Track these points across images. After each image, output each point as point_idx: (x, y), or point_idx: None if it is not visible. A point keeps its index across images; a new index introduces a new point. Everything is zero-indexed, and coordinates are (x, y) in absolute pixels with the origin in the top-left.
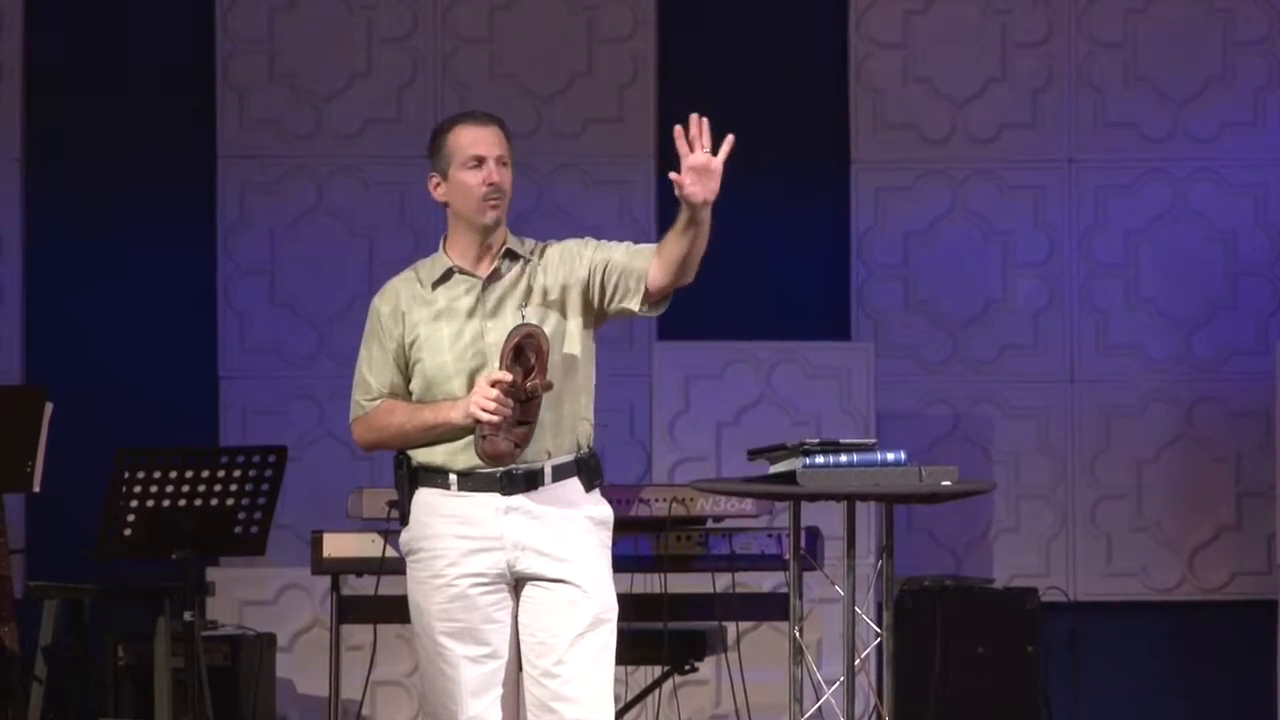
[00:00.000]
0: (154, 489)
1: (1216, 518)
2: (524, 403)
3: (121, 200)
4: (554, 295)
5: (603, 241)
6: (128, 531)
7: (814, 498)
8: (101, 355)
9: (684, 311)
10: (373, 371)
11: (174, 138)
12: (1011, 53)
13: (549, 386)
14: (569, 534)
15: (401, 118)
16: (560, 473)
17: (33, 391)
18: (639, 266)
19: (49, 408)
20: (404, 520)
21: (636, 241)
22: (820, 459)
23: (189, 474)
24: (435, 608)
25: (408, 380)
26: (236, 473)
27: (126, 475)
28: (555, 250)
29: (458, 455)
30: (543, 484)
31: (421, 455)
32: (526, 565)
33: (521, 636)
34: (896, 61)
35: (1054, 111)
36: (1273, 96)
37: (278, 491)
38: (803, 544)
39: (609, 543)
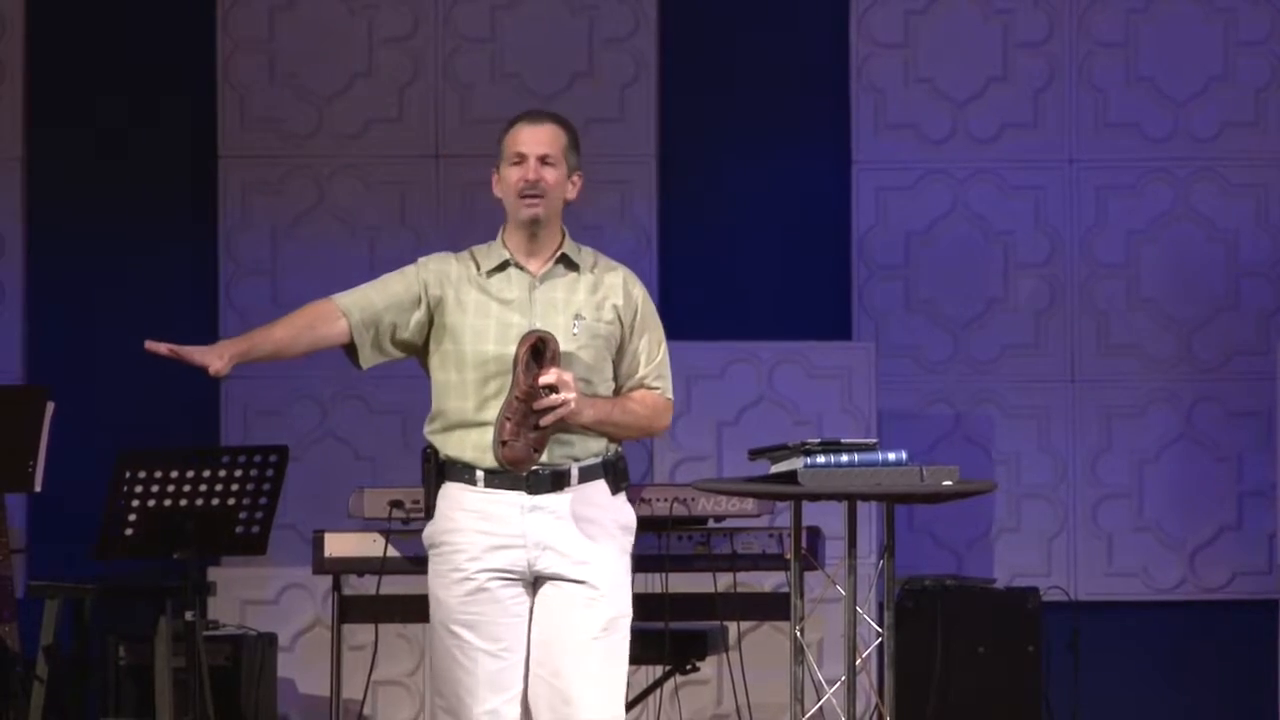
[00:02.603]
0: (155, 489)
1: (1217, 517)
2: (536, 409)
3: (122, 200)
4: (604, 322)
5: (648, 342)
6: (129, 531)
7: (815, 497)
8: (102, 355)
9: (685, 311)
10: (369, 288)
11: (175, 138)
12: (1012, 53)
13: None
14: (591, 536)
15: (402, 118)
16: (587, 474)
17: (34, 391)
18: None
19: (50, 407)
20: (429, 514)
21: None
22: (821, 459)
23: (190, 474)
24: (454, 601)
25: (395, 326)
26: (238, 472)
27: (128, 475)
28: (618, 283)
29: (485, 452)
30: (569, 485)
31: (451, 450)
32: (546, 565)
33: (534, 635)
34: (897, 62)
35: (1055, 112)
36: (1274, 96)
37: (279, 491)
38: (804, 544)
39: (629, 548)
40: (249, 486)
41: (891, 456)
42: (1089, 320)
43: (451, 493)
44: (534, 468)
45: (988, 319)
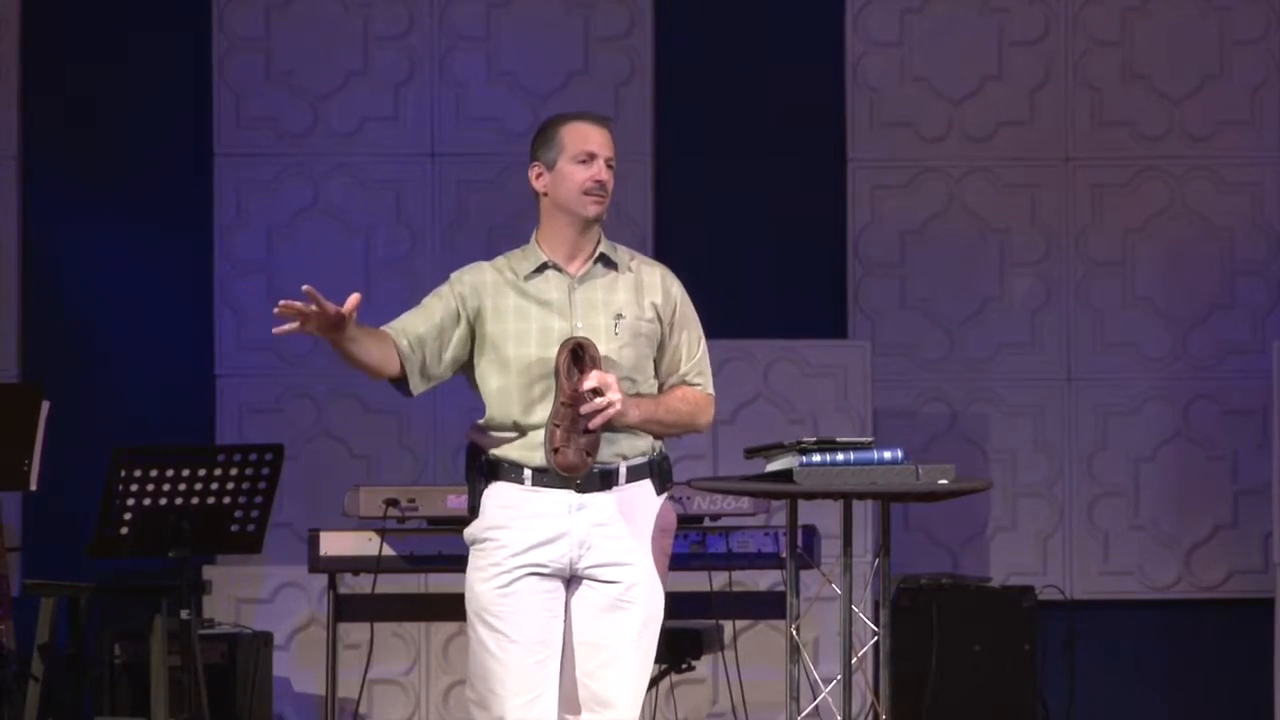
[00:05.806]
0: (151, 487)
1: (1213, 516)
2: (583, 414)
3: (118, 199)
4: (644, 320)
5: (688, 338)
6: (124, 530)
7: (811, 496)
8: (98, 353)
9: None
10: (411, 314)
11: (170, 136)
12: (1008, 51)
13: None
14: (634, 538)
15: (398, 116)
16: (634, 474)
17: (29, 390)
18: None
19: (46, 406)
20: (473, 513)
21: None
22: (817, 457)
23: (186, 472)
24: (490, 593)
25: (440, 347)
26: (234, 471)
27: (123, 473)
28: (657, 281)
29: (534, 451)
30: (617, 484)
31: (498, 450)
32: (588, 563)
33: (572, 635)
34: (893, 60)
35: (1051, 109)
36: (1270, 94)
37: (275, 490)
38: (799, 542)
39: (669, 549)
40: (244, 485)
41: (887, 455)
42: (1085, 318)
43: (498, 491)
44: None
45: (983, 317)
